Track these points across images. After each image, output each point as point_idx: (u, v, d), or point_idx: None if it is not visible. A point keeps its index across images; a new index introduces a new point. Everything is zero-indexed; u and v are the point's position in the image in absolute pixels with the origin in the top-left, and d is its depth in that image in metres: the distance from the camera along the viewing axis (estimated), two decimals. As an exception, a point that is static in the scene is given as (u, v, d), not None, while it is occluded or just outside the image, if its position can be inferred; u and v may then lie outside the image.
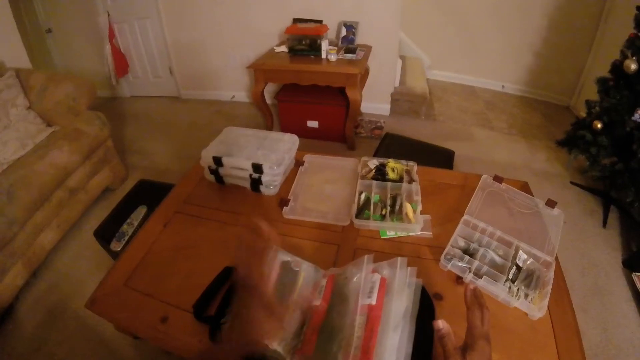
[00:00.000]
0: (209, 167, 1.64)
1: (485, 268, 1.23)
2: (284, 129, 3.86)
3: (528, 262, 1.28)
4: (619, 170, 3.02)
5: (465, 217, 1.39)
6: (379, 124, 4.13)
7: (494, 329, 0.99)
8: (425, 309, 1.03)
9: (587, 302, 2.57)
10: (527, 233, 1.37)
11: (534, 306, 1.14)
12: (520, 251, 1.30)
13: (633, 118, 2.86)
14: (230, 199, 1.63)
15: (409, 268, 1.03)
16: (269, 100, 3.93)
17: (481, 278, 1.19)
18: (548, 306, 1.14)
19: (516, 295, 1.16)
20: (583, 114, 3.42)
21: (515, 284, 1.20)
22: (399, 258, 1.04)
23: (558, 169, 3.74)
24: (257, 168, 1.55)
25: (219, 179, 1.67)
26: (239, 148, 1.66)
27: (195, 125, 4.41)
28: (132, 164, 3.64)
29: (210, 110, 4.75)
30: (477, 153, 3.87)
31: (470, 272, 1.21)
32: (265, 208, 1.56)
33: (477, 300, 0.85)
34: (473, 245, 1.32)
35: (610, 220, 3.21)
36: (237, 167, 1.59)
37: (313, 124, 3.76)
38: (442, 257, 1.25)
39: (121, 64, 4.71)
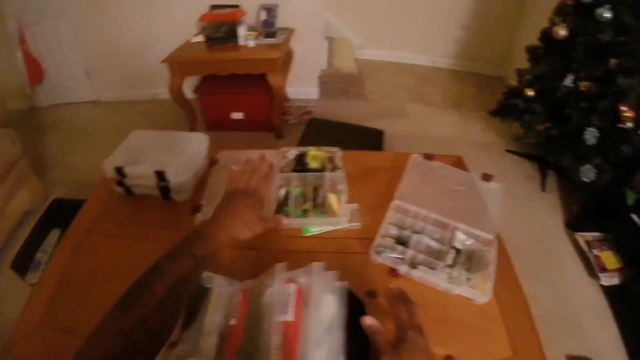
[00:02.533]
0: (114, 178, 1.45)
1: (421, 256, 1.13)
2: (208, 123, 3.68)
3: (467, 243, 1.19)
4: (553, 136, 3.05)
5: (395, 202, 1.26)
6: (308, 109, 4.00)
7: (439, 321, 1.01)
8: (356, 314, 0.91)
9: (535, 268, 2.58)
10: (465, 211, 1.27)
11: (478, 291, 1.05)
12: (457, 232, 1.20)
13: (564, 83, 2.88)
14: (142, 211, 1.44)
15: (330, 272, 0.90)
16: (190, 95, 3.72)
17: (417, 268, 1.09)
18: (494, 288, 1.07)
19: (457, 282, 1.07)
20: (514, 83, 3.42)
21: (455, 269, 1.10)
22: (315, 263, 0.91)
23: (494, 139, 3.76)
24: (161, 175, 1.37)
25: (127, 190, 1.47)
26: (145, 154, 1.47)
27: (118, 130, 4.02)
28: (53, 181, 3.33)
29: (133, 111, 4.47)
30: (411, 129, 3.84)
31: (404, 263, 1.10)
32: (178, 216, 1.39)
33: (401, 298, 0.82)
34: (406, 233, 1.21)
35: (549, 184, 3.24)
36: (142, 175, 1.41)
37: (238, 115, 3.58)
38: (371, 250, 1.13)
39: (35, 71, 4.32)
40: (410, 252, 1.13)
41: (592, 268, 2.60)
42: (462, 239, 1.19)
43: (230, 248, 1.23)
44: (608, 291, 2.54)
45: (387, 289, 0.86)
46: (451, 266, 1.11)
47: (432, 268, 1.09)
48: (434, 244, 1.19)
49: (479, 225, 1.22)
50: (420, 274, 1.08)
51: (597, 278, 2.54)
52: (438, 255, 1.14)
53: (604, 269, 2.57)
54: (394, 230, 1.22)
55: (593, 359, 2.18)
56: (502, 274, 1.13)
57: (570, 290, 2.49)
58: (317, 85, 4.30)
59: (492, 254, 1.14)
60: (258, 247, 1.22)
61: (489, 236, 1.19)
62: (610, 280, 2.55)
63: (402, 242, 1.18)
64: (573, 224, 2.95)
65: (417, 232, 1.21)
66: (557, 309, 2.38)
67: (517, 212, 2.98)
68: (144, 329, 0.67)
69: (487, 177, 1.40)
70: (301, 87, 4.23)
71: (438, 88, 4.76)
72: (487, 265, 1.11)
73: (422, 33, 5.17)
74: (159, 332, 0.71)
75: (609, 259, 2.63)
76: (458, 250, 1.16)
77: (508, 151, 3.57)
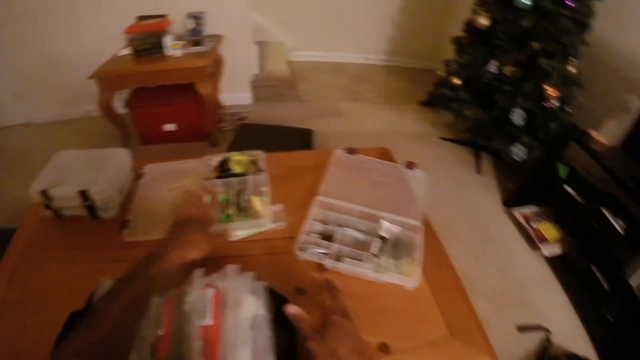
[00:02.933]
0: (41, 202, 1.40)
1: (346, 249, 1.14)
2: (142, 137, 3.58)
3: (394, 231, 1.20)
4: (483, 120, 3.16)
5: (319, 198, 1.27)
6: (242, 115, 3.97)
7: (372, 311, 1.02)
8: (280, 312, 0.92)
9: (478, 248, 2.66)
10: (390, 201, 1.29)
11: (407, 277, 1.07)
12: (383, 221, 1.21)
13: (489, 70, 2.99)
14: (72, 232, 1.39)
15: (248, 273, 0.90)
16: (122, 109, 3.63)
17: (342, 261, 1.10)
18: (425, 272, 1.11)
19: (385, 270, 1.09)
20: (442, 73, 3.52)
21: (382, 257, 1.12)
22: (229, 266, 0.91)
23: (427, 129, 3.85)
24: (85, 194, 1.34)
25: (56, 213, 1.43)
26: (69, 174, 1.43)
27: (52, 151, 3.88)
28: None
29: (67, 130, 4.28)
30: (346, 127, 3.88)
31: (329, 257, 1.11)
32: (107, 234, 1.35)
33: (326, 286, 0.85)
34: (330, 227, 1.22)
35: (484, 166, 3.35)
36: (66, 197, 1.37)
37: (170, 126, 3.51)
38: (295, 247, 1.13)
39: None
40: (335, 246, 1.14)
41: (533, 241, 2.70)
42: (387, 228, 1.21)
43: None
44: (551, 261, 2.65)
45: (312, 277, 0.91)
46: (378, 255, 1.12)
47: (358, 259, 1.11)
48: (359, 236, 1.20)
49: (404, 213, 1.24)
50: (346, 266, 1.08)
51: (538, 250, 2.65)
52: (364, 246, 1.15)
53: (544, 241, 2.68)
54: (318, 227, 1.23)
55: (544, 326, 2.27)
56: (433, 258, 1.16)
57: (514, 265, 2.58)
58: (250, 90, 4.27)
59: (418, 240, 1.16)
60: (185, 257, 1.21)
61: (415, 222, 1.21)
62: (552, 250, 2.66)
63: (327, 237, 1.19)
64: (510, 202, 3.06)
65: (341, 226, 1.22)
66: (503, 284, 2.45)
67: (456, 196, 3.06)
68: (101, 350, 0.68)
69: (411, 165, 1.44)
70: (234, 93, 4.19)
71: (372, 85, 4.82)
72: (414, 251, 1.13)
73: (354, 32, 5.23)
74: (115, 353, 0.72)
75: (549, 230, 2.75)
76: (384, 239, 1.18)
77: (442, 139, 3.66)
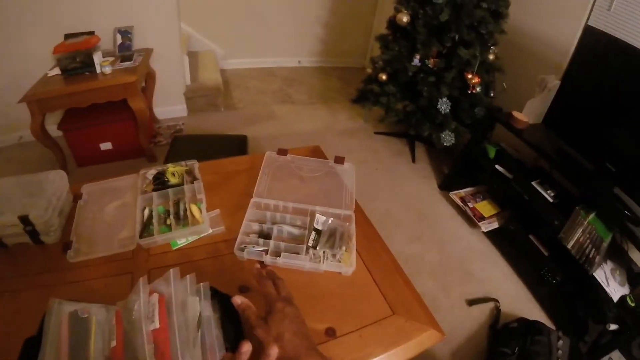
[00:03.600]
0: (-18, 233, 1.39)
1: (284, 244, 1.20)
2: (78, 159, 3.51)
3: (328, 223, 1.27)
4: (411, 111, 3.31)
5: (253, 199, 1.33)
6: (178, 127, 3.97)
7: (314, 299, 1.08)
8: (224, 309, 0.97)
9: (419, 231, 2.77)
10: (322, 195, 1.37)
11: (343, 264, 1.14)
12: (317, 215, 1.28)
13: (413, 63, 3.13)
14: (16, 261, 1.37)
15: (188, 275, 0.96)
16: (55, 132, 3.54)
17: (280, 256, 1.15)
18: (360, 257, 1.18)
19: (322, 260, 1.15)
20: (370, 70, 3.63)
21: (318, 248, 1.18)
22: (171, 270, 0.95)
23: (360, 124, 3.96)
24: (25, 220, 1.34)
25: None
26: (4, 201, 1.43)
27: None
28: None
29: (1, 159, 4.16)
30: (280, 130, 3.94)
31: (267, 254, 1.17)
32: (52, 258, 1.35)
33: (268, 275, 0.90)
34: (267, 226, 1.28)
35: (418, 154, 3.47)
36: (7, 224, 1.37)
37: (106, 145, 3.46)
38: (235, 248, 1.19)
39: None
40: (272, 243, 1.20)
41: (471, 219, 2.85)
42: (322, 220, 1.27)
43: (103, 277, 1.25)
44: (490, 235, 2.81)
45: (255, 269, 0.91)
46: (313, 247, 1.19)
47: (296, 252, 1.17)
48: (295, 231, 1.26)
49: (336, 205, 1.32)
50: (283, 260, 1.14)
51: (477, 227, 2.79)
52: (301, 240, 1.22)
53: (482, 217, 2.84)
54: (256, 227, 1.28)
55: (492, 296, 2.39)
56: (368, 243, 1.25)
57: (455, 244, 2.71)
58: (183, 102, 4.25)
59: (352, 228, 1.23)
60: (131, 271, 1.24)
61: (348, 212, 1.29)
62: (490, 225, 2.83)
63: (265, 235, 1.25)
64: (446, 185, 3.22)
65: (277, 223, 1.28)
66: (447, 262, 2.57)
67: (394, 185, 3.17)
68: None
69: (339, 160, 1.51)
70: (168, 106, 4.16)
71: (303, 86, 4.92)
72: (349, 239, 1.21)
73: (283, 36, 5.30)
74: None
75: (485, 207, 2.91)
76: (319, 231, 1.25)
77: (376, 133, 3.78)
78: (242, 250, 1.19)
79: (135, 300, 0.93)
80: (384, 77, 3.36)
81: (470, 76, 3.04)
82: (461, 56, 3.01)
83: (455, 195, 3.05)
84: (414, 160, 3.47)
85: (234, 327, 0.95)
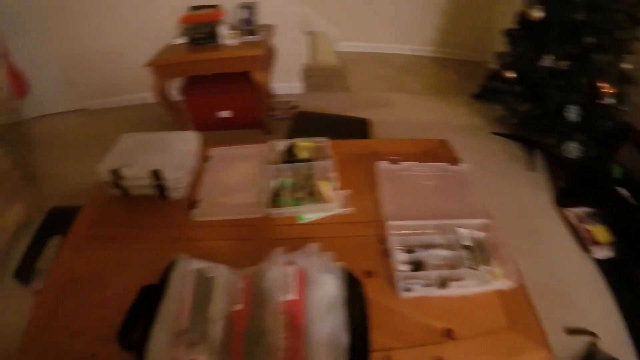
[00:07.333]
0: (111, 181, 1.47)
1: (445, 272, 1.10)
2: (196, 124, 3.67)
3: (474, 236, 1.18)
4: (536, 115, 3.10)
5: (389, 223, 1.23)
6: (293, 104, 4.01)
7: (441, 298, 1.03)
8: (354, 294, 0.95)
9: (526, 245, 2.60)
10: (453, 205, 1.30)
11: (504, 279, 1.07)
12: (459, 230, 1.19)
13: (542, 64, 2.94)
14: (138, 211, 1.46)
15: (326, 253, 0.94)
16: (177, 97, 3.73)
17: (448, 286, 1.06)
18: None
19: (484, 279, 1.07)
20: (494, 66, 3.46)
21: (478, 268, 1.09)
22: (311, 244, 0.94)
23: (478, 122, 3.78)
24: (157, 174, 1.40)
25: (124, 191, 1.50)
26: (137, 155, 1.50)
27: (107, 137, 3.98)
28: (47, 192, 3.27)
29: (121, 117, 4.43)
30: (396, 118, 3.84)
31: (432, 285, 1.07)
32: (175, 214, 1.41)
33: None
34: (417, 255, 1.16)
35: (535, 162, 3.28)
36: (138, 176, 1.43)
37: (225, 114, 3.59)
38: (398, 290, 1.06)
39: (19, 84, 4.27)
40: (433, 274, 1.09)
41: (584, 242, 2.63)
42: (466, 234, 1.17)
43: (227, 239, 1.27)
44: (600, 264, 2.59)
45: None
46: (473, 267, 1.10)
47: (460, 279, 1.08)
48: (445, 252, 1.16)
49: (469, 213, 1.23)
50: (456, 291, 1.06)
51: (589, 252, 2.58)
52: (454, 262, 1.13)
53: (596, 243, 2.62)
54: (403, 256, 1.16)
55: (592, 331, 2.23)
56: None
57: (562, 265, 2.52)
58: (300, 79, 4.31)
59: (496, 237, 1.14)
60: (256, 238, 1.25)
61: (485, 220, 1.20)
62: (603, 253, 2.59)
63: (416, 263, 1.14)
64: (561, 201, 3.00)
65: (423, 247, 1.18)
66: (550, 284, 2.40)
67: (506, 192, 3.01)
68: None
69: (455, 161, 1.43)
70: (285, 82, 4.24)
71: (418, 76, 4.78)
72: (496, 250, 1.12)
73: (400, 22, 5.18)
74: None
75: (600, 232, 2.67)
76: (469, 247, 1.14)
77: (494, 133, 3.61)
78: (409, 290, 1.06)
79: (269, 269, 0.93)
80: (512, 74, 3.19)
81: (603, 85, 2.81)
82: (594, 61, 2.78)
83: (570, 213, 2.83)
84: (530, 168, 3.29)
85: (358, 313, 0.93)
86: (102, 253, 1.31)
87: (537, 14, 2.92)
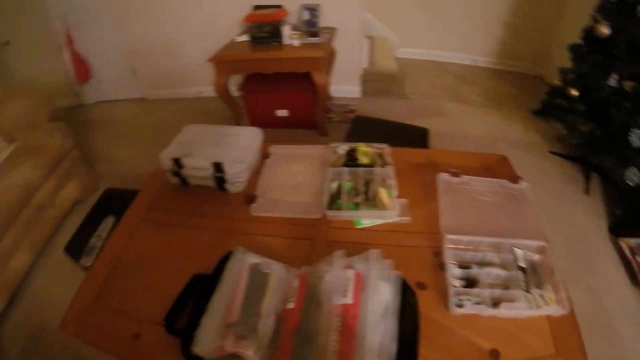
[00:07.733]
0: (171, 169, 1.52)
1: (497, 292, 1.08)
2: (253, 120, 3.75)
3: (530, 258, 1.15)
4: (597, 136, 2.99)
5: (447, 237, 1.21)
6: (350, 107, 4.02)
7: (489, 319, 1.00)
8: (407, 304, 0.95)
9: (575, 272, 2.52)
10: (511, 224, 1.28)
11: (555, 305, 1.04)
12: (516, 250, 1.16)
13: (608, 83, 2.83)
14: (195, 201, 1.52)
15: (385, 260, 0.94)
16: (235, 93, 3.80)
17: (498, 307, 1.04)
18: None
19: (536, 303, 1.05)
20: (557, 82, 3.37)
21: (531, 291, 1.07)
22: (372, 250, 0.95)
23: (535, 139, 3.68)
24: (218, 167, 1.44)
25: (182, 180, 1.55)
26: (199, 147, 1.55)
27: (163, 126, 4.21)
28: (101, 173, 3.45)
29: (178, 108, 4.58)
30: (451, 128, 3.80)
31: (484, 303, 1.06)
32: (232, 207, 1.45)
33: None
34: (472, 272, 1.15)
35: (592, 186, 3.17)
36: (199, 167, 1.48)
37: (282, 112, 3.64)
38: (450, 306, 1.05)
39: (82, 70, 4.49)
40: (486, 293, 1.08)
41: (635, 276, 2.53)
42: (522, 255, 1.15)
43: (282, 237, 1.29)
44: (650, 300, 2.49)
45: None
46: (526, 290, 1.07)
47: (511, 300, 1.06)
48: (500, 272, 1.14)
49: (524, 234, 1.20)
50: (506, 312, 1.03)
51: (639, 286, 2.49)
52: (508, 282, 1.11)
53: (647, 278, 2.52)
54: (457, 271, 1.15)
55: None
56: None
57: (610, 297, 2.43)
58: (359, 84, 4.31)
59: (550, 260, 1.11)
60: (312, 238, 1.27)
61: (541, 242, 1.17)
62: (654, 291, 2.49)
63: (470, 279, 1.14)
64: (617, 229, 2.88)
65: (478, 264, 1.17)
66: (595, 315, 2.32)
67: (559, 214, 2.92)
68: None
69: (515, 179, 1.40)
70: (343, 85, 4.25)
71: (477, 87, 4.70)
72: (551, 274, 1.09)
73: (460, 31, 5.12)
74: None
75: (654, 267, 2.57)
76: (523, 269, 1.12)
77: (551, 152, 3.51)
78: (461, 307, 1.05)
79: (327, 271, 0.95)
80: (575, 92, 3.09)
81: (671, 111, 2.69)
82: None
83: (625, 243, 2.70)
84: (587, 191, 3.18)
85: (411, 323, 0.93)
86: (155, 238, 1.37)
87: (605, 30, 2.82)
